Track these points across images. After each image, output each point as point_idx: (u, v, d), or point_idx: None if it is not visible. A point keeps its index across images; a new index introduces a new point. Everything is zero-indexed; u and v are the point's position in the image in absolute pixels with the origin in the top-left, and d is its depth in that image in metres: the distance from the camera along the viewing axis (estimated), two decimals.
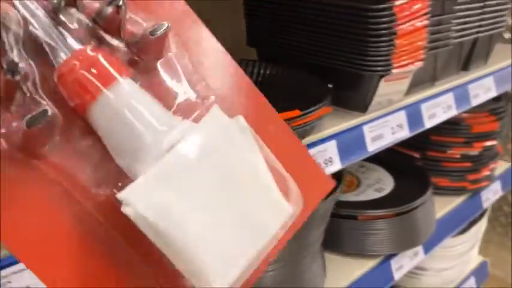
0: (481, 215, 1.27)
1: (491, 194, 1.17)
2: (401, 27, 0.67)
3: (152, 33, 0.28)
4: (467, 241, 1.20)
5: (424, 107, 0.81)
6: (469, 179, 1.09)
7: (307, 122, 0.60)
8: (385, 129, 0.75)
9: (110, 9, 0.27)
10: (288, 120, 0.58)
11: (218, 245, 0.28)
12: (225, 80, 0.33)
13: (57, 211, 0.26)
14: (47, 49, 0.26)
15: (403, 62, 0.70)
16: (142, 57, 0.29)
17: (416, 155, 1.09)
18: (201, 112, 0.30)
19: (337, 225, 0.89)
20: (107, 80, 0.26)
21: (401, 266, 0.93)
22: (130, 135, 0.26)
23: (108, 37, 0.28)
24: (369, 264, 0.89)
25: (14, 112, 0.25)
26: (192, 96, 0.31)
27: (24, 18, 0.26)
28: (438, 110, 0.83)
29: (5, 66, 0.23)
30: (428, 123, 0.81)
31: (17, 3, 0.26)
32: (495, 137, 1.09)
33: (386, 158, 1.09)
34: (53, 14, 0.27)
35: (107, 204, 0.28)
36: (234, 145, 0.29)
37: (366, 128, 0.72)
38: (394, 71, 0.69)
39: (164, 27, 0.28)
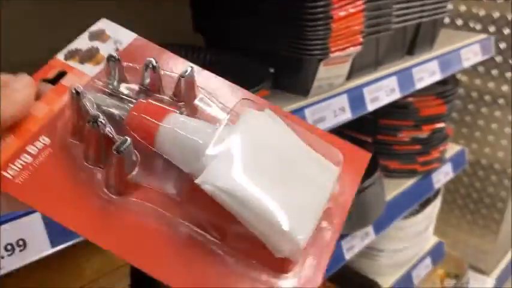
0: (435, 196, 1.31)
1: (442, 175, 1.21)
2: (337, 11, 0.69)
3: (183, 75, 0.36)
4: (421, 222, 1.24)
5: (366, 90, 0.83)
6: (419, 161, 1.12)
7: None
8: (327, 112, 0.76)
9: (148, 74, 0.36)
10: None
11: (289, 203, 0.32)
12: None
13: (156, 225, 0.33)
14: (114, 113, 0.35)
15: (341, 46, 0.72)
16: (182, 100, 0.37)
17: (368, 139, 1.12)
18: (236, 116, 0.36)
19: None
20: (161, 115, 0.34)
21: (352, 246, 0.96)
22: (188, 145, 0.33)
23: (153, 94, 0.37)
24: None
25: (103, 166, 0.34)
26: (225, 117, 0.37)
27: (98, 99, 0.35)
28: (381, 93, 0.86)
29: (90, 119, 0.32)
30: (371, 106, 0.83)
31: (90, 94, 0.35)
32: (444, 120, 1.12)
33: None
34: (112, 89, 0.37)
35: (189, 208, 0.34)
36: (272, 128, 0.35)
37: (307, 111, 0.74)
38: (332, 54, 0.71)
39: (190, 68, 0.36)
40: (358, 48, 0.75)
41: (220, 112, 0.37)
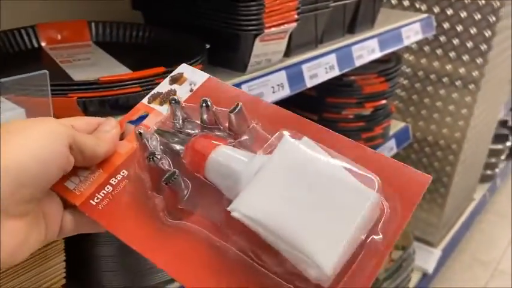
0: None
1: (387, 151, 1.25)
2: None
3: (231, 111, 0.39)
4: None
5: (305, 67, 0.85)
6: (363, 138, 1.16)
7: None
8: (265, 88, 0.78)
9: (204, 110, 0.40)
10: (153, 76, 0.59)
11: (317, 230, 0.33)
12: (300, 130, 0.41)
13: (201, 245, 0.37)
14: (177, 148, 0.40)
15: (275, 22, 0.73)
16: (236, 131, 0.40)
17: (314, 117, 1.15)
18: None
19: None
20: (209, 149, 0.38)
21: None
22: (228, 173, 0.37)
23: (213, 128, 0.42)
24: None
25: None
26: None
27: (162, 136, 0.41)
28: (320, 70, 0.88)
29: (147, 155, 0.38)
30: (310, 83, 0.86)
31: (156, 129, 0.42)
32: (386, 97, 1.16)
33: None
34: (178, 128, 0.42)
35: (228, 233, 0.37)
36: (308, 157, 0.37)
37: (245, 87, 0.75)
38: (266, 30, 0.72)
39: (239, 106, 0.39)
40: (294, 24, 0.76)
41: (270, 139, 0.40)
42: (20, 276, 0.58)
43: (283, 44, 0.79)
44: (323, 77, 0.88)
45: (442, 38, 1.52)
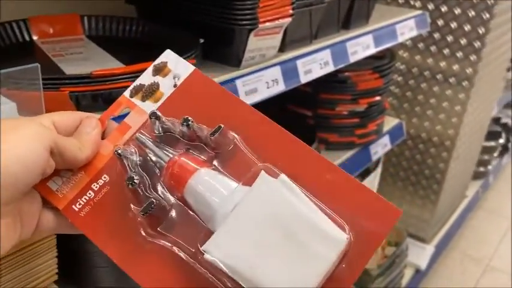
0: (375, 168, 1.36)
1: (380, 147, 1.25)
2: None
3: (212, 134, 0.40)
4: None
5: (300, 63, 0.85)
6: (357, 134, 1.16)
7: None
8: (259, 84, 0.77)
9: (185, 128, 0.40)
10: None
11: (287, 278, 0.34)
12: (279, 147, 0.42)
13: (175, 266, 0.38)
14: (157, 164, 0.40)
15: (270, 17, 0.73)
16: (218, 150, 0.41)
17: (308, 113, 1.15)
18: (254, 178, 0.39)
19: None
20: (189, 173, 0.38)
21: None
22: (206, 203, 0.37)
23: (192, 143, 0.41)
24: None
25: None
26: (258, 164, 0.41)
27: (140, 149, 0.41)
28: (315, 66, 0.88)
29: (127, 181, 0.38)
30: (304, 79, 0.85)
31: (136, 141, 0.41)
32: (380, 93, 1.16)
33: (281, 118, 1.14)
34: (158, 140, 0.41)
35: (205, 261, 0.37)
36: (283, 197, 0.37)
37: (239, 82, 0.74)
38: (261, 25, 0.72)
39: (219, 129, 0.40)
40: (288, 19, 0.76)
41: (252, 157, 0.41)
42: (11, 272, 0.57)
43: (277, 39, 0.79)
44: (317, 72, 0.88)
45: (436, 35, 1.52)
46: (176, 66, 0.45)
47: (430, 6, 1.49)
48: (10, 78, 0.50)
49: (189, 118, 0.40)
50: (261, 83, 0.78)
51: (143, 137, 0.41)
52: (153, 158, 0.40)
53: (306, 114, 1.16)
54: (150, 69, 0.45)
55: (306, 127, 1.09)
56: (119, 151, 0.39)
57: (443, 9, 1.48)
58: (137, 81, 0.44)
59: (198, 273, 0.37)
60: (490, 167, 2.22)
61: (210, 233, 0.37)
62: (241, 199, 0.37)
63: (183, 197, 0.39)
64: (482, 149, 2.04)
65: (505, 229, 2.16)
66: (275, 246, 0.35)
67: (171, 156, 0.40)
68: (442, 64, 1.55)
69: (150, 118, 0.41)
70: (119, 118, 0.44)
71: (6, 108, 0.49)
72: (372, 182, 1.34)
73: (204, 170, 0.39)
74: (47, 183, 0.39)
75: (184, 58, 0.64)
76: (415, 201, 1.79)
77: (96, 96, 0.57)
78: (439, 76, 1.58)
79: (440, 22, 1.50)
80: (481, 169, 2.17)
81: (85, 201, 0.39)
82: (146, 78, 0.44)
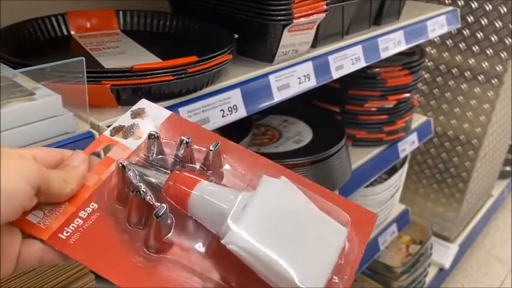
0: (402, 166, 1.35)
1: (408, 144, 1.24)
2: None
3: (210, 149, 0.42)
4: (388, 190, 1.28)
5: (331, 58, 0.84)
6: (385, 131, 1.15)
7: (207, 69, 0.62)
8: (291, 79, 0.78)
9: (182, 147, 0.42)
10: (185, 65, 0.60)
11: (304, 262, 0.37)
12: (256, 166, 0.45)
13: (186, 279, 0.38)
14: (154, 182, 0.41)
15: (305, 12, 0.73)
16: (211, 169, 0.43)
17: (336, 109, 1.14)
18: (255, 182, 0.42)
19: None
20: (192, 184, 0.40)
21: None
22: (214, 210, 0.39)
23: (186, 165, 0.43)
24: None
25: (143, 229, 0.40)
26: (243, 182, 0.43)
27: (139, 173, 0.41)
28: (346, 61, 0.87)
29: (133, 190, 0.38)
30: (336, 74, 0.85)
31: (132, 163, 0.42)
32: (409, 90, 1.15)
33: (308, 113, 1.14)
34: (151, 161, 0.43)
35: (215, 264, 0.39)
36: (287, 194, 0.40)
37: (272, 78, 0.75)
38: (295, 20, 0.72)
39: (217, 144, 0.42)
40: (323, 15, 0.76)
41: (242, 178, 0.43)
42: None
43: (311, 35, 0.79)
44: (349, 68, 0.88)
45: (466, 32, 1.50)
46: (154, 112, 0.47)
47: (460, 2, 1.47)
48: (55, 71, 0.51)
49: (188, 138, 0.42)
50: (293, 79, 0.78)
51: (140, 165, 0.42)
52: (152, 179, 0.41)
53: (333, 110, 1.15)
54: (128, 114, 0.47)
55: (334, 123, 1.09)
56: (123, 163, 0.40)
57: (474, 5, 1.46)
58: (116, 123, 0.46)
59: (206, 280, 0.38)
60: None
61: (218, 240, 0.38)
62: (249, 199, 0.39)
63: (188, 209, 0.40)
64: (509, 148, 2.01)
65: None
66: (289, 234, 0.38)
67: (170, 172, 0.41)
68: (471, 61, 1.53)
69: (149, 138, 0.42)
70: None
71: (52, 99, 0.50)
72: (398, 179, 1.33)
73: (205, 181, 0.41)
74: (26, 217, 0.38)
75: (220, 54, 0.65)
76: (440, 199, 1.77)
77: (136, 90, 0.58)
78: (467, 73, 1.55)
79: (470, 19, 1.47)
80: (508, 168, 2.13)
81: (73, 228, 0.39)
82: (125, 120, 0.46)
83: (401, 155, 1.23)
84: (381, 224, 1.35)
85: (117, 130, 0.45)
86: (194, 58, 0.60)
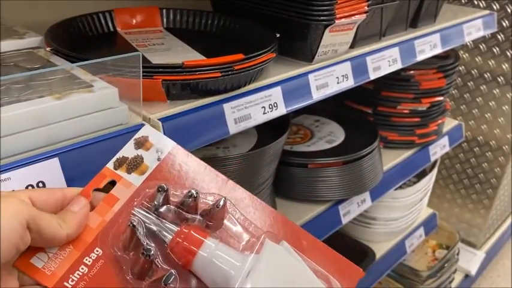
0: (431, 169, 1.35)
1: (439, 148, 1.24)
2: None
3: (217, 205, 0.43)
4: (417, 193, 1.28)
5: (369, 59, 0.85)
6: (417, 134, 1.15)
7: (251, 66, 0.64)
8: (330, 79, 0.79)
9: (190, 200, 0.43)
10: (232, 63, 0.61)
11: None
12: (265, 219, 0.47)
13: None
14: (158, 234, 0.41)
15: (346, 13, 0.74)
16: (213, 221, 0.44)
17: (368, 110, 1.15)
18: (258, 246, 0.44)
19: (288, 173, 0.94)
20: (198, 244, 0.41)
21: (348, 211, 1.00)
22: (221, 274, 0.40)
23: (189, 215, 0.44)
24: (318, 208, 0.95)
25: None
26: (248, 236, 0.45)
27: (142, 221, 0.42)
28: (383, 62, 0.88)
29: (144, 252, 0.39)
30: (373, 75, 0.86)
31: (135, 212, 0.42)
32: (443, 94, 1.15)
33: (341, 114, 1.15)
34: (156, 211, 0.42)
35: None
36: (288, 261, 0.43)
37: (311, 77, 0.76)
38: (337, 21, 0.73)
39: (223, 200, 0.43)
40: (363, 16, 0.77)
41: (242, 231, 0.45)
42: None
43: (350, 35, 0.80)
44: (386, 69, 0.88)
45: (500, 36, 1.48)
46: (158, 141, 0.46)
47: (495, 6, 1.45)
48: (112, 65, 0.53)
49: (195, 191, 0.43)
50: (332, 78, 0.79)
51: (145, 214, 0.43)
52: (157, 231, 0.41)
53: (365, 111, 1.16)
54: (131, 143, 0.46)
55: (367, 124, 1.10)
56: (134, 223, 0.40)
57: (510, 9, 1.44)
58: (119, 154, 0.45)
59: None
60: None
61: None
62: (253, 266, 0.41)
63: (193, 269, 0.41)
64: None
65: None
66: None
67: (175, 229, 0.42)
68: (505, 66, 1.51)
69: (158, 191, 0.43)
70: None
71: (109, 92, 0.53)
72: (428, 183, 1.32)
73: (210, 241, 0.41)
74: (30, 260, 0.37)
75: (263, 53, 0.67)
76: (467, 205, 1.75)
77: (185, 85, 0.60)
78: (500, 79, 1.53)
79: (505, 23, 1.46)
80: None
81: (78, 276, 0.38)
82: (129, 151, 0.45)
83: (432, 159, 1.23)
84: (408, 227, 1.34)
85: (120, 162, 0.44)
86: (240, 56, 0.62)
